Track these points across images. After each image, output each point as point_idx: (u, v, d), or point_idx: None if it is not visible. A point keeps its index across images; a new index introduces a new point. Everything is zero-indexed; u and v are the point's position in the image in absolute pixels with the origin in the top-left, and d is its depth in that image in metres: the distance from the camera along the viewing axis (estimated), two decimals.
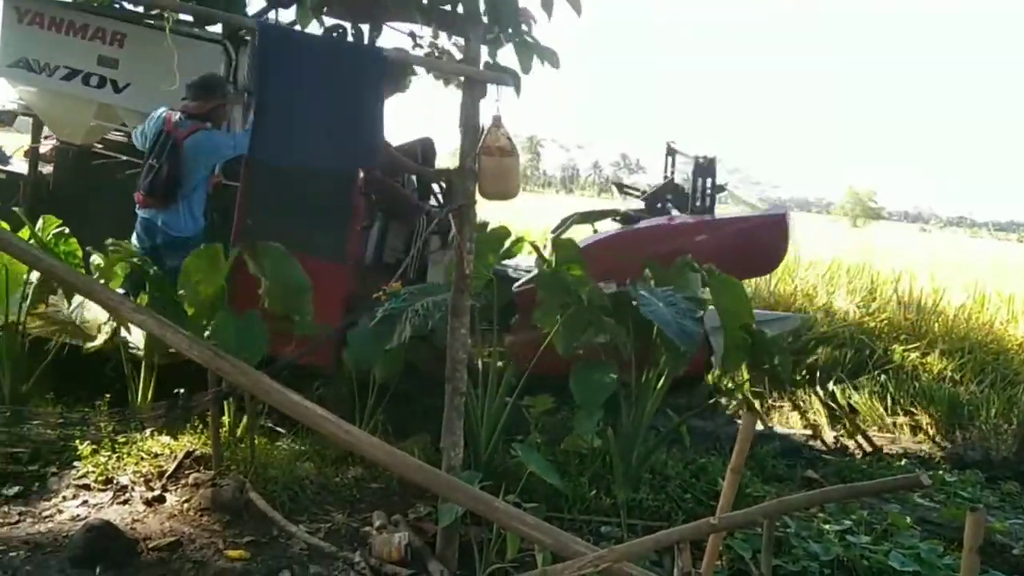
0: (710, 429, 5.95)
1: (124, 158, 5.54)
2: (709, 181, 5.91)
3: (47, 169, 5.95)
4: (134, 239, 4.77)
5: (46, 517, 3.54)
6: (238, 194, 4.86)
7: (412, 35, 4.81)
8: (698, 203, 5.92)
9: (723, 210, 6.59)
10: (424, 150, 5.74)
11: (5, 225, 4.01)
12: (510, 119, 3.50)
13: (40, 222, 4.57)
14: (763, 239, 5.41)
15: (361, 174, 4.92)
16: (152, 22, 5.28)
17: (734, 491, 2.50)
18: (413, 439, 4.66)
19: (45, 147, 5.98)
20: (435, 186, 5.94)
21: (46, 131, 5.97)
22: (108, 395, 4.42)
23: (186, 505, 3.68)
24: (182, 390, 4.19)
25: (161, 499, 3.73)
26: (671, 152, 6.23)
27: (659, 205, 6.07)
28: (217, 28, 5.36)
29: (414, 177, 5.79)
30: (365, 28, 4.86)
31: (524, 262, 6.41)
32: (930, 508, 4.65)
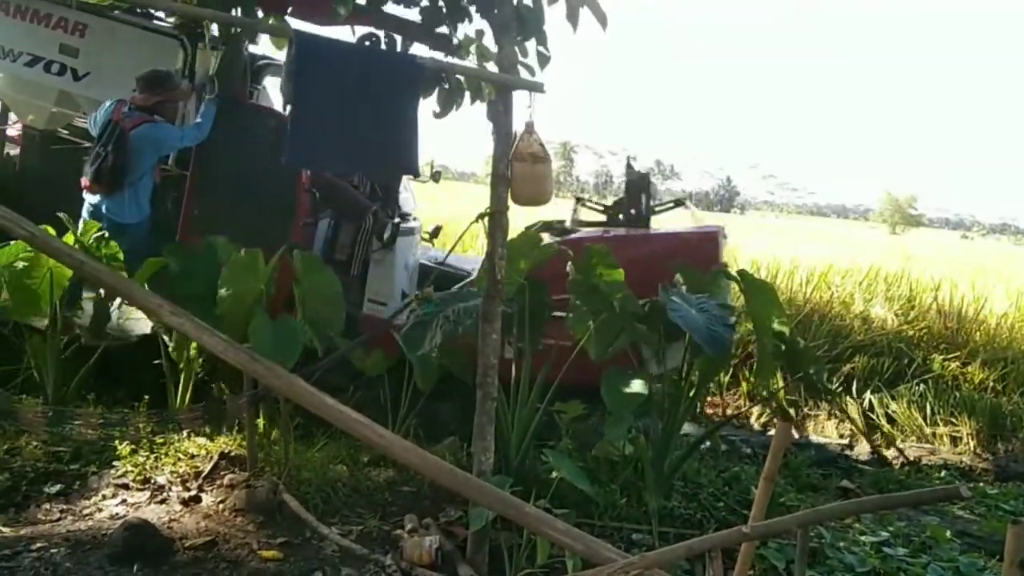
0: (743, 438, 5.90)
1: (87, 144, 5.61)
2: (644, 196, 5.82)
3: (15, 152, 6.25)
4: (80, 223, 4.83)
5: (86, 515, 3.62)
6: (187, 185, 5.02)
7: (436, 45, 4.85)
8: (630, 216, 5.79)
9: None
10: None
11: (51, 230, 4.12)
12: (544, 125, 3.53)
13: (80, 226, 4.68)
14: (694, 254, 5.10)
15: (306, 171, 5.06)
16: (114, 14, 5.49)
17: (767, 499, 2.47)
18: (444, 444, 4.69)
19: (13, 131, 6.27)
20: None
21: (13, 115, 6.23)
22: (147, 396, 4.53)
23: (221, 505, 3.73)
24: (217, 391, 4.27)
25: (197, 499, 3.78)
26: (630, 166, 6.25)
27: (620, 216, 5.95)
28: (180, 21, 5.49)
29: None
30: (398, 36, 4.92)
31: (461, 260, 6.48)
32: (970, 521, 4.56)
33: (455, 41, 4.87)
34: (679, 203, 6.11)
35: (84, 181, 4.93)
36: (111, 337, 4.70)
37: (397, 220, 5.56)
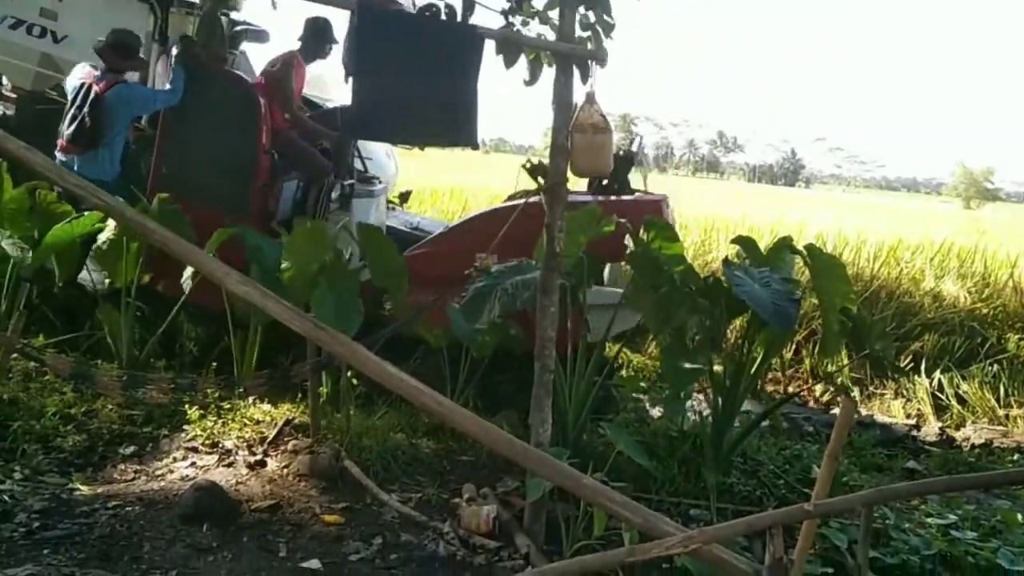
0: (805, 416, 5.80)
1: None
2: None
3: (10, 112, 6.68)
4: None
5: (158, 476, 3.77)
6: (155, 144, 5.19)
7: (504, 13, 4.79)
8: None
9: None
10: (343, 115, 5.58)
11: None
12: (604, 97, 3.47)
13: (156, 200, 4.83)
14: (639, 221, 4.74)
15: (264, 132, 5.17)
16: None
17: (831, 478, 2.42)
18: (502, 414, 4.72)
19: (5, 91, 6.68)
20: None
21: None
22: (214, 363, 4.67)
23: (285, 470, 3.84)
24: (281, 358, 4.37)
25: (262, 463, 3.90)
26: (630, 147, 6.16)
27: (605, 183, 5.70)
28: None
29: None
30: (457, 5, 4.89)
31: (425, 221, 6.55)
32: None
33: (525, 11, 4.81)
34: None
35: (60, 142, 5.11)
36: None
37: (351, 181, 5.60)
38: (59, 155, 5.12)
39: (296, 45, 5.56)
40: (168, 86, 5.15)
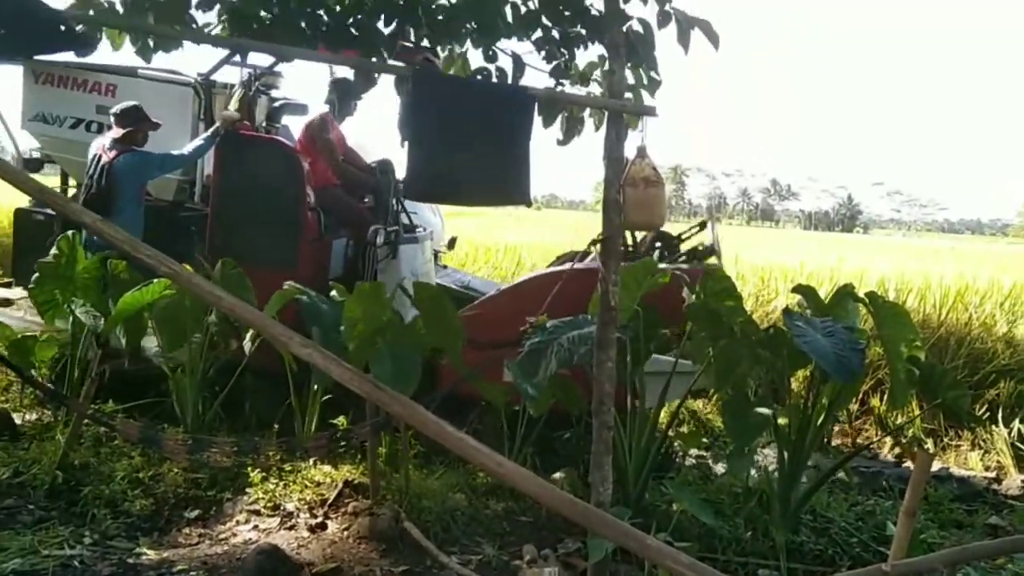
0: (875, 470, 5.58)
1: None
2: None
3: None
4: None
5: (222, 539, 3.80)
6: (208, 216, 5.50)
7: (552, 74, 4.88)
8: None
9: None
10: (384, 170, 6.04)
11: (189, 268, 4.41)
12: (656, 149, 3.50)
13: (219, 265, 4.97)
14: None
15: (310, 191, 5.58)
16: (137, 72, 6.15)
17: (908, 535, 2.31)
18: (561, 473, 4.66)
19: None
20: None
21: None
22: (276, 426, 4.73)
23: (346, 532, 3.84)
24: (342, 420, 4.41)
25: (323, 526, 3.91)
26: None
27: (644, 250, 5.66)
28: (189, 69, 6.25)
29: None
30: (508, 68, 5.01)
31: (476, 281, 6.96)
32: None
33: (573, 70, 4.90)
34: (702, 225, 5.88)
35: None
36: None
37: (394, 228, 5.80)
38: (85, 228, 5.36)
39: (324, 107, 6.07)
40: (187, 151, 5.50)
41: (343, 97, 6.05)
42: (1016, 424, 6.20)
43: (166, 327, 4.70)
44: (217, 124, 5.47)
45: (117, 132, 5.43)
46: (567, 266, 5.36)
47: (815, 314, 4.17)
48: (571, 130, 5.04)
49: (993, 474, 5.72)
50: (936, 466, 5.77)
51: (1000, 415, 6.38)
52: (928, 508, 4.73)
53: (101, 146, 5.46)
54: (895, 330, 3.97)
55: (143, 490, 4.13)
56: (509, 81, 4.87)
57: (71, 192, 7.03)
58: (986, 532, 4.46)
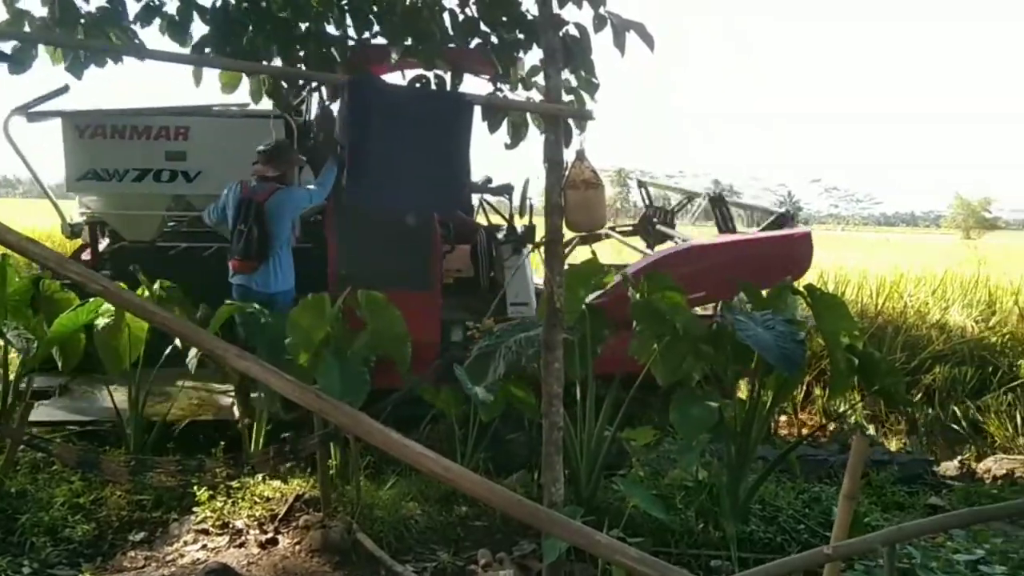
0: (821, 457, 5.71)
1: (184, 246, 5.96)
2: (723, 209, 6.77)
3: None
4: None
5: (169, 561, 3.71)
6: (329, 248, 5.28)
7: (492, 80, 4.92)
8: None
9: None
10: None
11: (124, 285, 4.30)
12: (597, 153, 3.54)
13: (157, 284, 4.87)
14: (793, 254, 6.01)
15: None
16: (212, 109, 5.78)
17: (849, 519, 2.38)
18: (515, 476, 4.67)
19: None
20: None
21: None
22: (222, 442, 4.64)
23: (297, 547, 3.78)
24: (288, 435, 4.35)
25: (274, 541, 3.84)
26: (642, 185, 7.05)
27: (648, 228, 6.39)
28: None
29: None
30: (447, 76, 5.03)
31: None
32: None
33: (513, 75, 4.93)
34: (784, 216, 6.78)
35: (233, 262, 5.12)
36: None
37: (525, 228, 5.99)
38: (234, 279, 5.16)
39: None
40: (324, 181, 5.20)
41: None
42: (952, 407, 6.43)
43: (107, 349, 4.58)
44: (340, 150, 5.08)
45: (265, 171, 5.12)
46: (708, 241, 6.33)
47: (756, 309, 4.26)
48: (516, 134, 5.09)
49: (932, 457, 5.91)
50: (878, 451, 5.94)
51: (936, 399, 6.60)
52: (871, 491, 4.87)
53: (245, 188, 5.14)
54: (834, 321, 4.07)
55: (84, 515, 4.01)
56: (448, 88, 4.89)
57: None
58: (926, 512, 4.60)
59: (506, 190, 6.17)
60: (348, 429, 2.91)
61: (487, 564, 3.62)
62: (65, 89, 5.18)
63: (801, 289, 4.31)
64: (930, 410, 6.39)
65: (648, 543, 3.57)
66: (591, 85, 4.51)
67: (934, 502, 4.85)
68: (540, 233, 6.80)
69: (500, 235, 6.07)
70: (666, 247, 6.24)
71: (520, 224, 6.28)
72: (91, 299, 4.55)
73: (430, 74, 4.98)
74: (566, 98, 4.20)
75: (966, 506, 4.66)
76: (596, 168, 3.82)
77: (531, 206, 6.03)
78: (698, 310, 5.78)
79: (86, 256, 6.25)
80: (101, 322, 4.51)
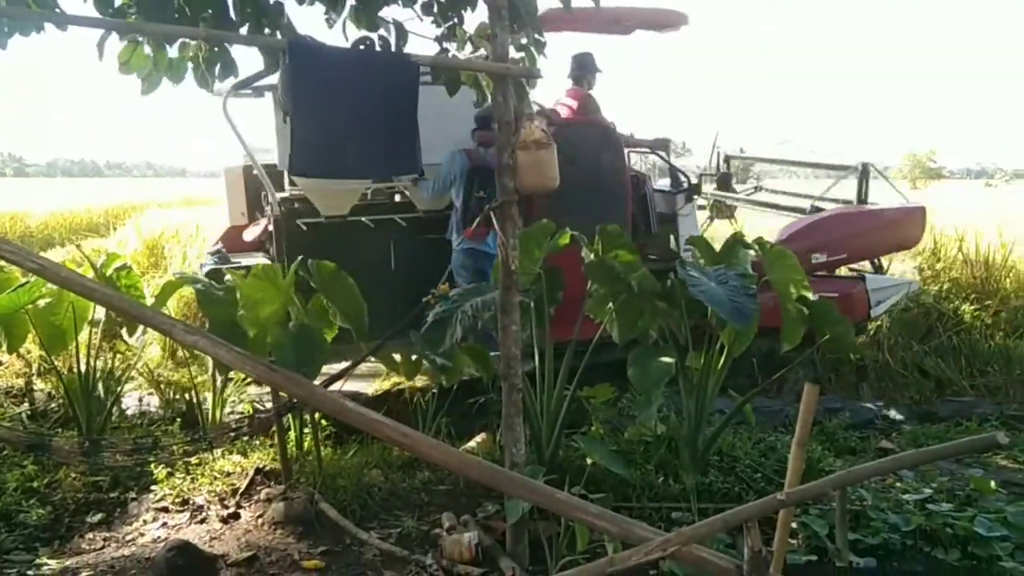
0: (777, 408, 5.84)
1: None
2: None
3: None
4: (458, 275, 5.40)
5: (129, 541, 3.67)
6: (528, 205, 5.44)
7: (439, 40, 4.82)
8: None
9: None
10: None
11: (71, 264, 4.19)
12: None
13: (103, 258, 4.74)
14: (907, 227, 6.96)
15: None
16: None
17: (801, 465, 2.44)
18: (478, 438, 4.70)
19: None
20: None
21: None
22: (178, 419, 4.58)
23: (260, 520, 3.76)
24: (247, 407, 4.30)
25: (236, 516, 3.82)
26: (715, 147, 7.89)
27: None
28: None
29: None
30: (391, 37, 4.91)
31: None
32: (1014, 470, 4.48)
33: (460, 35, 4.83)
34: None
35: (468, 231, 5.38)
36: None
37: (692, 185, 6.79)
38: (466, 244, 5.43)
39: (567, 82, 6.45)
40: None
41: (585, 69, 6.34)
42: (900, 353, 6.61)
43: (45, 329, 4.45)
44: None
45: (489, 136, 5.26)
46: (859, 207, 7.22)
47: (709, 264, 4.30)
48: (481, 94, 4.98)
49: (882, 402, 6.08)
50: (831, 399, 6.09)
51: (885, 345, 6.78)
52: (824, 438, 5.00)
53: (472, 155, 5.41)
54: (783, 272, 4.13)
55: (39, 499, 3.94)
56: (393, 50, 4.77)
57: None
58: (877, 455, 4.74)
59: (662, 144, 6.79)
60: (301, 400, 2.89)
61: (451, 527, 3.64)
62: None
63: (751, 243, 4.35)
64: (880, 356, 6.57)
65: (609, 499, 3.63)
66: (539, 44, 4.44)
67: (884, 445, 5.00)
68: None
69: (659, 185, 6.87)
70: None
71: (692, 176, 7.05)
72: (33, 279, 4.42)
73: (374, 36, 4.87)
74: (515, 56, 4.13)
75: (915, 447, 4.81)
76: (545, 127, 3.76)
77: (720, 155, 7.19)
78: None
79: (252, 233, 6.42)
80: (41, 301, 4.38)
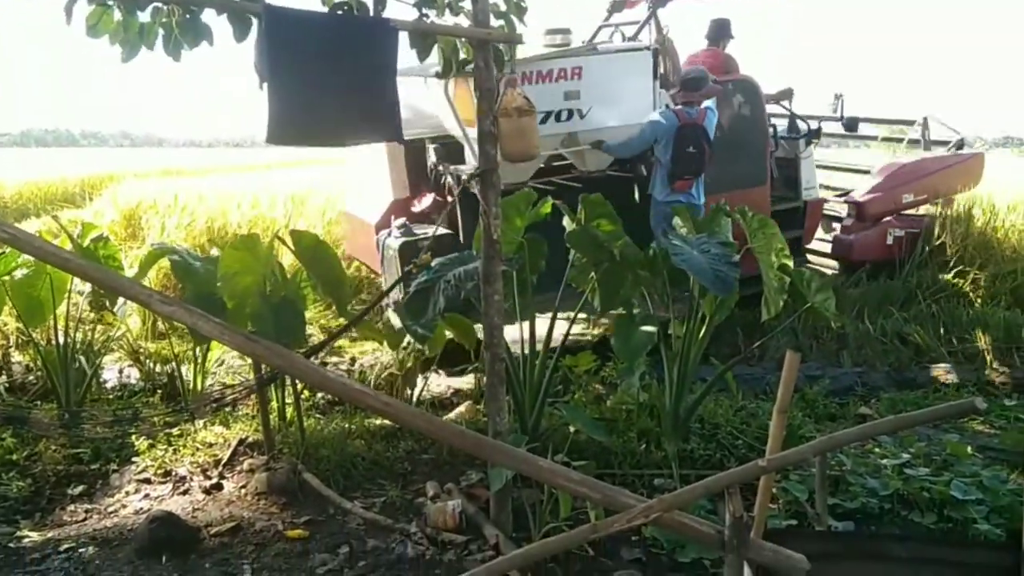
0: (759, 375, 5.88)
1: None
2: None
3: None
4: (659, 226, 5.88)
5: (111, 512, 3.66)
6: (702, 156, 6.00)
7: (417, 5, 4.73)
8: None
9: None
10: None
11: (48, 235, 4.11)
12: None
13: (79, 229, 4.67)
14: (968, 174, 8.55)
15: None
16: (595, 47, 6.33)
17: (782, 432, 2.45)
18: (462, 407, 4.70)
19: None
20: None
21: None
22: (159, 391, 4.55)
23: (243, 491, 3.76)
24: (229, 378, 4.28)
25: (219, 487, 3.82)
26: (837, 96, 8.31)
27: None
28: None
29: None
30: (369, 1, 4.82)
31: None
32: (991, 435, 4.55)
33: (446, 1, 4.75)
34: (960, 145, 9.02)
35: (679, 183, 5.97)
36: None
37: (810, 132, 7.43)
38: (672, 196, 5.97)
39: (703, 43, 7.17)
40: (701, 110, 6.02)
41: (722, 33, 7.08)
42: (880, 321, 6.66)
43: (23, 301, 4.39)
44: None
45: (691, 97, 5.97)
46: (934, 154, 8.81)
47: (691, 232, 4.30)
48: (448, 63, 4.92)
49: (862, 368, 6.13)
50: (812, 366, 6.14)
51: (866, 313, 6.83)
52: (805, 405, 5.05)
53: (681, 115, 5.90)
54: (765, 241, 4.14)
55: (19, 472, 3.92)
56: (371, 15, 4.68)
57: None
58: (856, 421, 4.79)
59: (787, 95, 7.34)
60: (283, 371, 2.87)
61: (435, 495, 3.66)
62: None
63: (733, 212, 4.35)
64: (860, 324, 6.61)
65: (592, 466, 3.64)
66: (519, 8, 4.37)
67: (864, 412, 5.05)
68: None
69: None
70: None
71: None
72: (8, 251, 4.34)
73: (353, 0, 4.77)
74: (495, 23, 4.07)
75: (893, 413, 4.87)
76: (527, 94, 3.72)
77: (842, 104, 7.76)
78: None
79: (419, 205, 6.63)
80: (19, 272, 4.32)
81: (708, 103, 6.08)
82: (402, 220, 6.37)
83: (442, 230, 5.84)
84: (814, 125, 7.60)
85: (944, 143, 9.17)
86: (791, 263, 4.17)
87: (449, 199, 6.30)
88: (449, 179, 6.33)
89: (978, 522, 3.26)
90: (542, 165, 6.24)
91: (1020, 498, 3.38)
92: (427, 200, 6.66)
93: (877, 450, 4.04)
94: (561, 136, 6.02)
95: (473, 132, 5.87)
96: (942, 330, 6.43)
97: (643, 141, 6.03)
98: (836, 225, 8.26)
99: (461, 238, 6.01)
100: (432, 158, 6.42)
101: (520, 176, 6.04)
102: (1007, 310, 6.71)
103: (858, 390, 5.61)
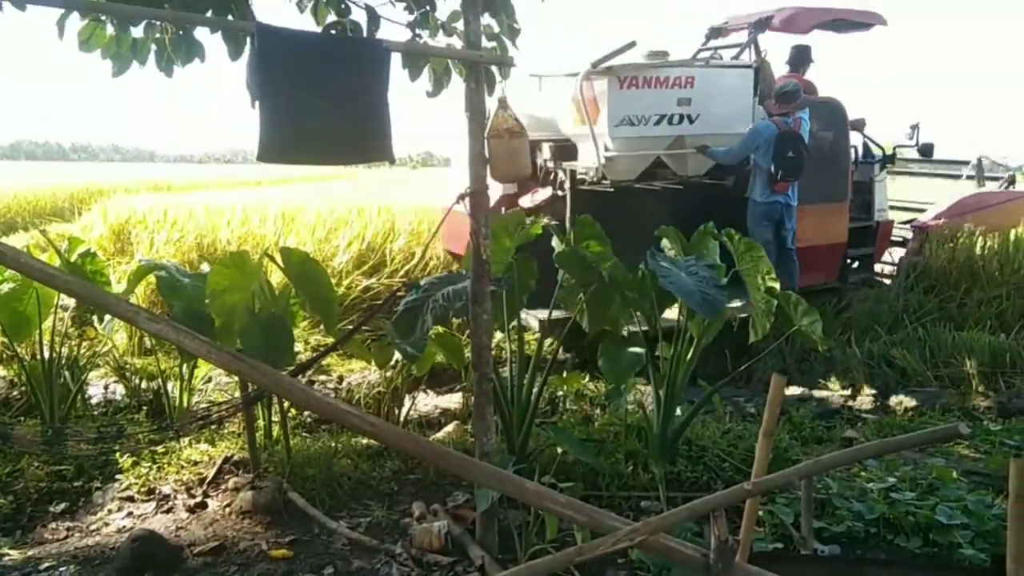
0: (747, 397, 5.90)
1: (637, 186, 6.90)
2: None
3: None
4: (758, 225, 6.71)
5: (93, 531, 3.62)
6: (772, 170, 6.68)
7: (410, 26, 4.77)
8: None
9: None
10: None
11: (35, 250, 4.09)
12: (519, 102, 3.49)
13: (65, 243, 4.65)
14: None
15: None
16: (707, 62, 7.26)
17: (768, 455, 2.46)
18: (449, 427, 4.69)
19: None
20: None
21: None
22: (145, 408, 4.52)
23: (227, 509, 3.73)
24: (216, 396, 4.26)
25: (203, 505, 3.78)
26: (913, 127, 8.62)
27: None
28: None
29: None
30: (362, 22, 4.86)
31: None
32: (976, 459, 4.56)
33: (432, 21, 4.80)
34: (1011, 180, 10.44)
35: (780, 185, 6.67)
36: None
37: (886, 156, 8.14)
38: (771, 198, 6.72)
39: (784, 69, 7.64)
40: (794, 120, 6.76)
41: (802, 59, 7.60)
42: (867, 344, 6.70)
43: (8, 316, 4.36)
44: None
45: (786, 108, 6.65)
46: (993, 188, 10.04)
47: (680, 255, 4.32)
48: (439, 82, 4.97)
49: (848, 392, 6.16)
50: (798, 389, 6.17)
51: (853, 337, 6.87)
52: (792, 427, 5.06)
53: (780, 124, 6.60)
54: (752, 264, 4.17)
55: (0, 488, 3.86)
56: (364, 35, 4.72)
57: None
58: (842, 444, 4.80)
59: (861, 124, 7.81)
60: (268, 390, 2.86)
61: (421, 516, 3.64)
62: (633, 44, 6.16)
63: (720, 235, 4.38)
64: (848, 348, 6.65)
65: (579, 488, 3.64)
66: (513, 31, 4.42)
67: (850, 435, 5.07)
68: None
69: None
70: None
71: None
72: None
73: (346, 21, 4.81)
74: (487, 45, 4.11)
75: (879, 437, 4.89)
76: (518, 116, 3.75)
77: (919, 132, 8.07)
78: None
79: (527, 201, 6.97)
80: (5, 286, 4.29)
81: (802, 113, 6.71)
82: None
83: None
84: (888, 151, 8.28)
85: (996, 179, 10.47)
86: (778, 286, 4.20)
87: (559, 194, 6.91)
88: (561, 175, 6.91)
89: (963, 547, 3.26)
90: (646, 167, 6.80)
91: (1004, 523, 3.39)
92: (541, 195, 7.05)
93: (863, 474, 4.05)
94: (668, 140, 6.63)
95: (597, 129, 6.57)
96: (928, 354, 6.47)
97: (745, 148, 6.65)
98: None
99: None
100: (545, 155, 7.05)
101: (629, 175, 6.70)
102: (992, 335, 6.76)
103: (844, 413, 5.64)
